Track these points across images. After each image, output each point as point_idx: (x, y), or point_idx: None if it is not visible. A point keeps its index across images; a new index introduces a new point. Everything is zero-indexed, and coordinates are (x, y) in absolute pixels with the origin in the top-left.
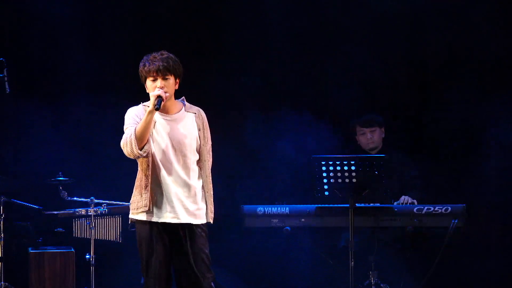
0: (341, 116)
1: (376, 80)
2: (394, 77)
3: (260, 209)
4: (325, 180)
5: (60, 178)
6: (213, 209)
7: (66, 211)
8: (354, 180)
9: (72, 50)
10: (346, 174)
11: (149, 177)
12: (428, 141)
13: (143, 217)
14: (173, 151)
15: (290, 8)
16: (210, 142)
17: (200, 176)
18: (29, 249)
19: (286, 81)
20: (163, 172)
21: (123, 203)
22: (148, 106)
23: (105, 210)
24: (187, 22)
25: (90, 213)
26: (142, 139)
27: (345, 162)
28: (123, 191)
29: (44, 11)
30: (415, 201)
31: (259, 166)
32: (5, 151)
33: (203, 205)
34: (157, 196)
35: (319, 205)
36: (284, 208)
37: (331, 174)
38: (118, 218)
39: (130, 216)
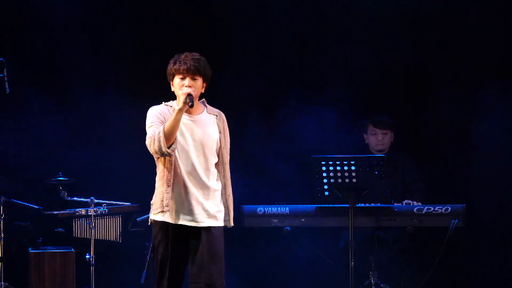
0: (341, 116)
1: (376, 80)
2: (393, 77)
3: (260, 209)
4: (325, 180)
5: (60, 178)
6: (232, 213)
7: (66, 211)
8: (354, 180)
9: (73, 50)
10: (346, 174)
11: (171, 178)
12: (428, 141)
13: (162, 218)
14: (194, 152)
15: (291, 10)
16: (229, 146)
17: (219, 178)
18: (29, 249)
19: (286, 81)
20: (184, 174)
21: (123, 203)
22: (171, 106)
23: (105, 210)
24: (186, 22)
25: (90, 213)
26: (170, 136)
27: (345, 162)
28: (123, 191)
29: (45, 9)
30: (416, 202)
31: (259, 166)
32: (5, 151)
33: (222, 207)
34: (176, 197)
35: (319, 205)
36: (284, 208)
37: (331, 174)
38: (118, 218)
39: (151, 217)
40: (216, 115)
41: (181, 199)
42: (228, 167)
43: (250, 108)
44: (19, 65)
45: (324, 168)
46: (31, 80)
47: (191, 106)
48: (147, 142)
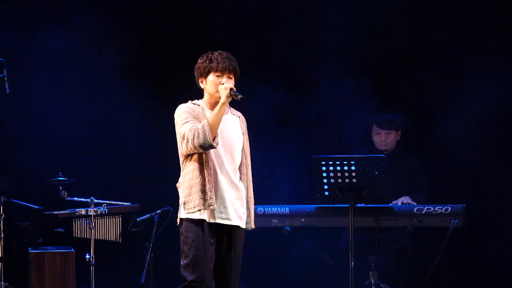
0: (342, 116)
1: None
2: (398, 77)
3: (260, 209)
4: (325, 180)
5: (60, 178)
6: (253, 215)
7: (66, 211)
8: (354, 180)
9: (73, 50)
10: (346, 174)
11: (210, 174)
12: (428, 140)
13: (198, 216)
14: (224, 152)
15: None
16: (249, 148)
17: (241, 179)
18: (29, 249)
19: (287, 81)
20: (218, 173)
21: (123, 203)
22: (199, 105)
23: (105, 210)
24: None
25: (90, 213)
26: (215, 130)
27: (345, 162)
28: (123, 191)
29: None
30: (413, 202)
31: (259, 166)
32: (5, 151)
33: (245, 210)
34: (213, 196)
35: (319, 205)
36: (284, 208)
37: (331, 174)
38: (118, 218)
39: (183, 216)
40: (239, 117)
41: (218, 198)
42: (250, 169)
43: (250, 107)
44: (19, 65)
45: (324, 168)
46: (31, 80)
47: (242, 99)
48: (189, 135)
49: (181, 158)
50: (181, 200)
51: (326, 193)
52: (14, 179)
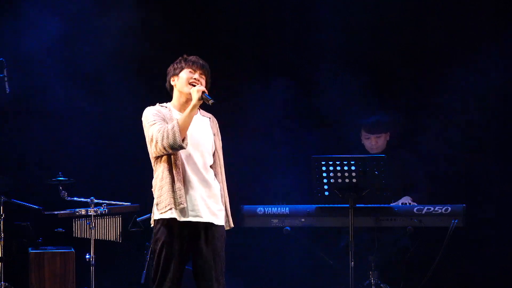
0: (342, 116)
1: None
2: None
3: (260, 209)
4: (325, 180)
5: (60, 178)
6: (230, 214)
7: (66, 211)
8: (354, 180)
9: (73, 50)
10: (346, 174)
11: (177, 176)
12: (428, 140)
13: (170, 215)
14: (194, 152)
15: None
16: (221, 148)
17: (215, 179)
18: (29, 249)
19: (287, 80)
20: (188, 172)
21: (123, 203)
22: (166, 107)
23: (105, 210)
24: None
25: (90, 213)
26: (184, 131)
27: (345, 162)
28: (123, 191)
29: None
30: (414, 202)
31: (259, 166)
32: (5, 151)
33: (222, 207)
34: (184, 195)
35: (319, 205)
36: (284, 208)
37: (331, 174)
38: (118, 218)
39: (156, 217)
40: (209, 118)
41: (188, 196)
42: (224, 169)
43: (250, 107)
44: (19, 65)
45: (324, 168)
46: (31, 80)
47: (212, 104)
48: (158, 137)
49: (152, 161)
50: (154, 202)
51: (326, 193)
52: (14, 179)
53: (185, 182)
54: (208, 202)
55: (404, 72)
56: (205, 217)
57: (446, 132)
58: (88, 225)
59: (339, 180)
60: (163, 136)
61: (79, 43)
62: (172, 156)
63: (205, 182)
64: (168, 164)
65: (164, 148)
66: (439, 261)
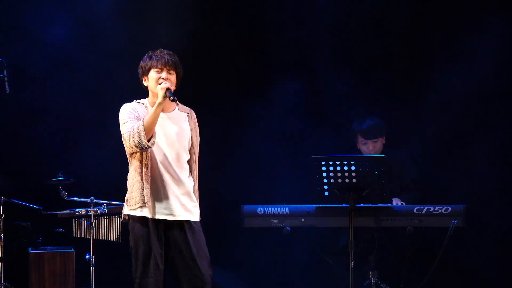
0: (342, 116)
1: (375, 80)
2: (394, 77)
3: (260, 209)
4: (325, 180)
5: (60, 178)
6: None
7: (66, 211)
8: (354, 180)
9: (72, 50)
10: (346, 174)
11: (148, 173)
12: (428, 140)
13: (140, 213)
14: (168, 149)
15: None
16: (199, 143)
17: (191, 175)
18: (29, 249)
19: (287, 80)
20: (161, 169)
21: (123, 203)
22: (143, 103)
23: (105, 210)
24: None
25: (90, 213)
26: (150, 130)
27: (345, 162)
28: (123, 191)
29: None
30: (403, 203)
31: (259, 166)
32: (5, 151)
33: (197, 203)
34: (154, 192)
35: (319, 205)
36: (284, 208)
37: (331, 174)
38: (118, 218)
39: (126, 213)
40: (188, 113)
41: (159, 193)
42: (197, 164)
43: (250, 108)
44: (19, 65)
45: (324, 168)
46: (31, 80)
47: (173, 100)
48: (126, 136)
49: (128, 157)
50: (125, 197)
51: (326, 193)
52: (14, 179)
53: (157, 180)
54: (182, 199)
55: (404, 71)
56: (180, 215)
57: (446, 131)
58: (88, 225)
59: (339, 180)
60: (129, 135)
61: (79, 43)
62: (143, 153)
63: (178, 179)
64: (139, 162)
65: (132, 147)
66: (439, 261)
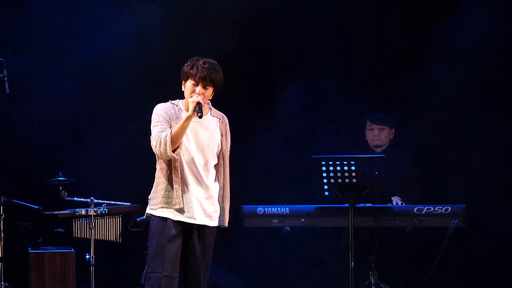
0: (342, 116)
1: (375, 80)
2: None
3: (260, 209)
4: (325, 180)
5: (60, 178)
6: (228, 214)
7: (66, 211)
8: (354, 180)
9: (72, 50)
10: (346, 174)
11: (173, 175)
12: (428, 140)
13: (160, 213)
14: (196, 153)
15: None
16: (229, 148)
17: (217, 179)
18: (29, 249)
19: (287, 80)
20: (187, 173)
21: (123, 203)
22: (177, 105)
23: (105, 210)
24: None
25: (90, 213)
26: (176, 142)
27: (345, 162)
28: (123, 191)
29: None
30: (403, 203)
31: (259, 166)
32: (5, 151)
33: (218, 208)
34: (178, 195)
35: (319, 205)
36: (284, 208)
37: (331, 174)
38: (118, 218)
39: (148, 211)
40: (219, 118)
41: (183, 196)
42: (228, 169)
43: (250, 107)
44: (19, 65)
45: (324, 168)
46: (31, 80)
47: (200, 117)
48: (153, 142)
49: (156, 157)
50: (150, 196)
51: (326, 193)
52: (14, 179)
53: (182, 183)
54: (204, 204)
55: (406, 71)
56: (199, 220)
57: (446, 131)
58: (88, 225)
59: (339, 180)
60: (156, 142)
61: (79, 44)
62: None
63: (203, 183)
64: (166, 164)
65: (160, 154)
66: (439, 261)
